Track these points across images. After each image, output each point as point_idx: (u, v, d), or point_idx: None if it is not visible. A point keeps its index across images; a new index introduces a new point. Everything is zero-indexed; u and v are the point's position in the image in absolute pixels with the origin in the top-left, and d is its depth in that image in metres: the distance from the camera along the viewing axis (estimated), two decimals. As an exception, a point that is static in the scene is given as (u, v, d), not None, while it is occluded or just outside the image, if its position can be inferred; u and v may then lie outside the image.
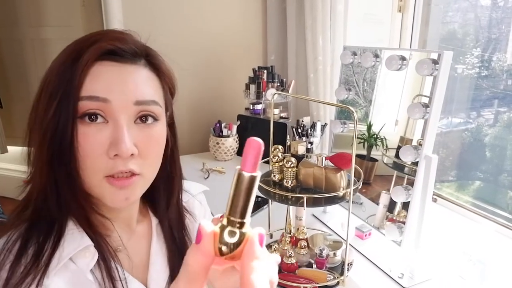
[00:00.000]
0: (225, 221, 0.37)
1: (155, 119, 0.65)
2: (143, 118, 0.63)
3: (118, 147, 0.59)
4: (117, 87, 0.60)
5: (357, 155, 1.28)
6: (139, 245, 0.75)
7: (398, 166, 1.16)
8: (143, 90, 0.63)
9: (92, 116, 0.60)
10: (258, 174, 0.38)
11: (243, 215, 0.37)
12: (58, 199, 0.62)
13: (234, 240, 0.36)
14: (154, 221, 0.78)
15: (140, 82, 0.63)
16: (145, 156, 0.63)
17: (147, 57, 0.66)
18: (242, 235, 0.37)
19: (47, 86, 0.61)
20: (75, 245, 0.62)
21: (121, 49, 0.62)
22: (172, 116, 0.75)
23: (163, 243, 0.78)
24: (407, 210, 1.10)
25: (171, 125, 0.75)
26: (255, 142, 0.39)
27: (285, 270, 1.07)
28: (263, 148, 0.39)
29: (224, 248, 0.36)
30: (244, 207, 0.37)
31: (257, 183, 0.38)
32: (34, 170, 0.64)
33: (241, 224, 0.37)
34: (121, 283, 0.65)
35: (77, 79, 0.59)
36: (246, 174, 0.37)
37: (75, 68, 0.59)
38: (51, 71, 0.62)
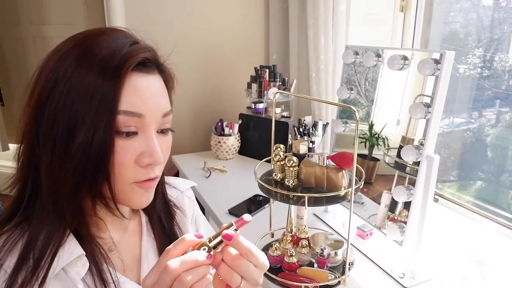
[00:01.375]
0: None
1: (169, 127, 0.68)
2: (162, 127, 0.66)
3: (153, 158, 0.62)
4: (149, 101, 0.62)
5: (359, 155, 1.28)
6: (131, 242, 0.76)
7: (400, 165, 1.16)
8: (166, 101, 0.67)
9: (129, 131, 0.61)
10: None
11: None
12: (59, 204, 0.62)
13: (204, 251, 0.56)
14: (144, 217, 0.79)
15: (162, 93, 0.66)
16: (164, 162, 0.66)
17: (157, 63, 0.67)
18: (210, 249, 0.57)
19: (66, 98, 0.58)
20: (68, 254, 0.62)
21: (148, 59, 0.63)
22: None
23: (153, 240, 0.78)
24: (408, 210, 1.10)
25: None
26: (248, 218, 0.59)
27: (286, 269, 1.07)
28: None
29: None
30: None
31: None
32: (34, 175, 0.63)
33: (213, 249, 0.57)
34: (114, 284, 0.66)
35: (114, 93, 0.58)
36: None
37: (110, 81, 0.58)
38: (67, 81, 0.59)
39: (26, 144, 0.63)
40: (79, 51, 0.60)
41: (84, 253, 0.64)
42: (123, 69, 0.59)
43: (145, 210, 0.78)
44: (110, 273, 0.66)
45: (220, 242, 0.57)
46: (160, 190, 0.80)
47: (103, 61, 0.59)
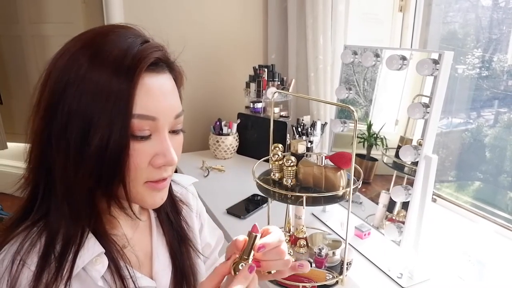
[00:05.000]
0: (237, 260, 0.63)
1: (181, 127, 0.68)
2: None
3: (167, 159, 0.62)
4: (162, 103, 0.62)
5: (357, 155, 1.28)
6: (142, 238, 0.77)
7: (398, 166, 1.16)
8: (178, 102, 0.66)
9: (143, 135, 0.61)
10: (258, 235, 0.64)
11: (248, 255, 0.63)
12: (75, 206, 0.62)
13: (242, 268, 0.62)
14: (153, 214, 0.80)
15: (173, 93, 0.65)
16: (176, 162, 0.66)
17: (167, 62, 0.66)
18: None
19: (80, 100, 0.57)
20: (89, 253, 0.62)
21: (160, 59, 0.63)
22: None
23: (163, 235, 0.79)
24: (406, 210, 1.10)
25: None
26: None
27: (284, 269, 1.07)
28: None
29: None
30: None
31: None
32: (46, 177, 0.63)
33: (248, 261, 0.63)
34: (132, 280, 0.67)
35: (129, 95, 0.57)
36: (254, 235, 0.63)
37: (124, 83, 0.57)
38: (80, 82, 0.58)
39: (37, 146, 0.62)
40: (90, 51, 0.59)
41: (104, 250, 0.64)
42: (136, 70, 0.58)
43: None
44: (127, 269, 0.67)
45: (251, 253, 0.63)
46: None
47: (115, 62, 0.58)
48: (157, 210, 0.80)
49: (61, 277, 0.59)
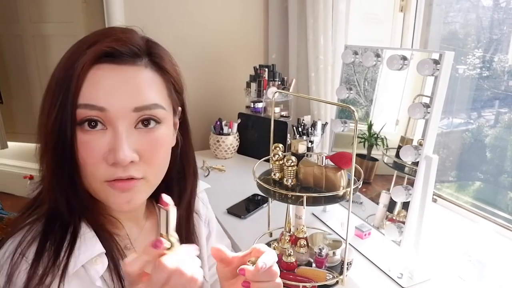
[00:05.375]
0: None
1: (158, 122, 0.63)
2: (144, 122, 0.62)
3: (117, 155, 0.58)
4: (114, 94, 0.59)
5: (358, 155, 1.28)
6: (147, 240, 0.75)
7: (399, 166, 1.16)
8: (144, 95, 0.61)
9: (92, 123, 0.59)
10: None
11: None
12: (68, 202, 0.63)
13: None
14: None
15: (141, 86, 0.61)
16: (148, 161, 0.62)
17: (149, 56, 0.64)
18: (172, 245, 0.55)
19: (48, 90, 0.61)
20: (89, 252, 0.63)
21: (119, 51, 0.60)
22: (183, 114, 0.75)
23: None
24: (407, 210, 1.10)
25: (181, 123, 0.74)
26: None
27: (284, 269, 1.06)
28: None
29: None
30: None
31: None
32: (43, 171, 0.65)
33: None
34: None
35: (74, 85, 0.57)
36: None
37: (71, 73, 0.58)
38: (53, 75, 0.62)
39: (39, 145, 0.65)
40: (72, 48, 0.63)
41: (104, 251, 0.64)
42: (83, 61, 0.58)
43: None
44: None
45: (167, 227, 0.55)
46: (188, 200, 0.79)
47: (73, 53, 0.60)
48: None
49: (57, 268, 0.59)
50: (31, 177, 2.78)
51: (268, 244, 1.13)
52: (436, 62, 1.00)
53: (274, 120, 1.11)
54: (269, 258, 0.61)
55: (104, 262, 0.64)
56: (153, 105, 0.62)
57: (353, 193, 0.93)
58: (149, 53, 0.64)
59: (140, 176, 0.62)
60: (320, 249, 1.07)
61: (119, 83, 0.60)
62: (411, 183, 1.09)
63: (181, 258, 0.53)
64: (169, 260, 0.52)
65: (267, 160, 1.10)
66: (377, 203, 1.21)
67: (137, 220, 0.75)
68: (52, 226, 0.63)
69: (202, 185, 0.92)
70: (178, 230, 0.79)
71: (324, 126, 1.93)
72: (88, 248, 0.63)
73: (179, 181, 0.77)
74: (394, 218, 1.15)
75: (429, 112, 1.03)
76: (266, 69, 2.06)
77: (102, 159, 0.60)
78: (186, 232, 0.80)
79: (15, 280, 0.58)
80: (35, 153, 0.65)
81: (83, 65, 0.58)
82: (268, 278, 0.61)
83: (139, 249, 0.72)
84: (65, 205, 0.63)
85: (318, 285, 1.03)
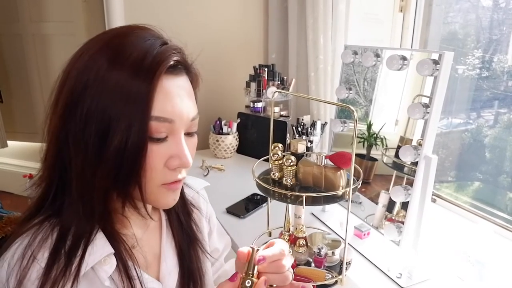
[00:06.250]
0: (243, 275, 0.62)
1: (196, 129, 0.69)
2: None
3: (183, 161, 0.63)
4: (179, 106, 0.62)
5: (357, 155, 1.28)
6: (151, 239, 0.77)
7: (398, 166, 1.16)
8: (193, 104, 0.66)
9: (161, 134, 0.61)
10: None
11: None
12: (91, 207, 0.62)
13: (248, 285, 0.61)
14: (164, 215, 0.80)
15: (190, 96, 0.66)
16: (189, 164, 0.67)
17: (185, 65, 0.66)
18: (253, 283, 0.61)
19: (99, 102, 0.58)
20: (99, 253, 0.63)
21: (178, 61, 0.63)
22: None
23: (172, 237, 0.79)
24: (406, 210, 1.10)
25: None
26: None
27: (283, 268, 1.07)
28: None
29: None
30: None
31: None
32: (61, 175, 0.63)
33: (253, 276, 0.61)
34: (139, 280, 0.67)
35: (148, 98, 0.58)
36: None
37: (143, 85, 0.58)
38: (99, 83, 0.58)
39: (53, 145, 0.63)
40: (109, 52, 0.59)
41: (113, 251, 0.64)
42: (155, 72, 0.58)
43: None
44: (135, 270, 0.67)
45: (254, 267, 0.62)
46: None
47: (135, 63, 0.58)
48: (168, 211, 0.80)
49: (69, 274, 0.59)
50: (30, 176, 2.78)
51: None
52: (436, 62, 1.00)
53: (274, 120, 1.11)
54: (271, 251, 0.63)
55: (112, 262, 0.64)
56: (197, 115, 0.67)
57: (352, 193, 0.93)
58: (184, 61, 0.66)
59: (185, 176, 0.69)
60: (319, 248, 1.07)
61: (180, 95, 0.63)
62: (410, 183, 1.09)
63: None
64: None
65: (267, 160, 1.10)
66: (376, 203, 1.21)
67: (145, 220, 0.76)
68: (67, 230, 0.62)
69: (201, 183, 0.94)
70: (179, 226, 0.80)
71: (323, 126, 1.93)
72: (98, 249, 0.63)
73: None
74: (393, 218, 1.16)
75: (428, 112, 1.03)
76: (266, 69, 2.06)
77: (164, 165, 0.63)
78: (188, 227, 0.82)
79: (26, 283, 0.58)
80: (40, 154, 0.65)
81: (157, 79, 0.59)
82: (275, 270, 0.63)
83: (144, 248, 0.73)
84: (88, 211, 0.62)
85: (317, 285, 1.03)
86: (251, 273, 0.61)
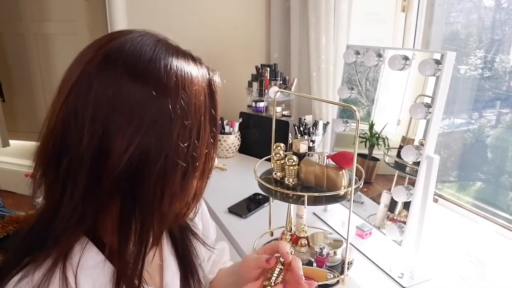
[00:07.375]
0: (266, 282, 0.68)
1: None
2: None
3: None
4: None
5: (359, 154, 1.28)
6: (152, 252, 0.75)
7: (400, 165, 1.16)
8: None
9: None
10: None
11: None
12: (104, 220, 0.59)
13: None
14: None
15: None
16: None
17: None
18: None
19: (184, 123, 0.59)
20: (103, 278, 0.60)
21: None
22: None
23: (171, 246, 0.78)
24: (408, 210, 1.10)
25: None
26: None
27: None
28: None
29: None
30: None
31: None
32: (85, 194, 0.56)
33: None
34: None
35: (216, 113, 0.67)
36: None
37: (214, 102, 0.69)
38: (186, 101, 0.60)
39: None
40: (141, 78, 0.57)
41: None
42: (216, 87, 0.69)
43: None
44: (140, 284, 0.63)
45: (279, 276, 0.70)
46: None
47: (202, 80, 0.67)
48: None
49: None
50: (32, 175, 2.78)
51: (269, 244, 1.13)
52: (438, 62, 1.00)
53: (276, 120, 1.12)
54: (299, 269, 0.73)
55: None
56: None
57: (354, 193, 0.93)
58: None
59: None
60: (321, 248, 1.07)
61: None
62: (412, 183, 1.09)
63: None
64: None
65: (269, 160, 1.10)
66: (378, 203, 1.21)
67: None
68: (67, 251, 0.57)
69: None
70: (178, 231, 0.80)
71: (325, 125, 1.93)
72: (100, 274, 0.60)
73: None
74: (395, 218, 1.16)
75: (430, 112, 1.03)
76: (268, 69, 2.06)
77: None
78: (185, 231, 0.81)
79: None
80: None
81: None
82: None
83: (148, 259, 0.71)
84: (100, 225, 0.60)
85: (319, 285, 1.03)
86: (273, 281, 0.68)
